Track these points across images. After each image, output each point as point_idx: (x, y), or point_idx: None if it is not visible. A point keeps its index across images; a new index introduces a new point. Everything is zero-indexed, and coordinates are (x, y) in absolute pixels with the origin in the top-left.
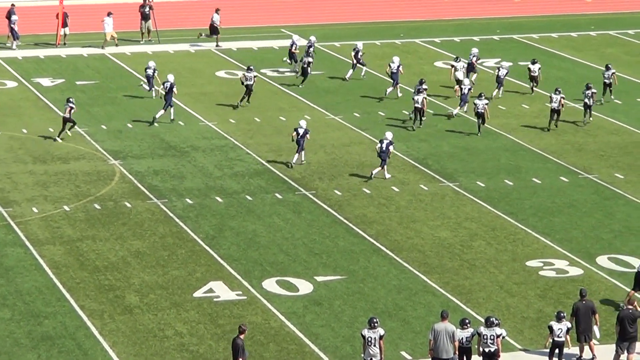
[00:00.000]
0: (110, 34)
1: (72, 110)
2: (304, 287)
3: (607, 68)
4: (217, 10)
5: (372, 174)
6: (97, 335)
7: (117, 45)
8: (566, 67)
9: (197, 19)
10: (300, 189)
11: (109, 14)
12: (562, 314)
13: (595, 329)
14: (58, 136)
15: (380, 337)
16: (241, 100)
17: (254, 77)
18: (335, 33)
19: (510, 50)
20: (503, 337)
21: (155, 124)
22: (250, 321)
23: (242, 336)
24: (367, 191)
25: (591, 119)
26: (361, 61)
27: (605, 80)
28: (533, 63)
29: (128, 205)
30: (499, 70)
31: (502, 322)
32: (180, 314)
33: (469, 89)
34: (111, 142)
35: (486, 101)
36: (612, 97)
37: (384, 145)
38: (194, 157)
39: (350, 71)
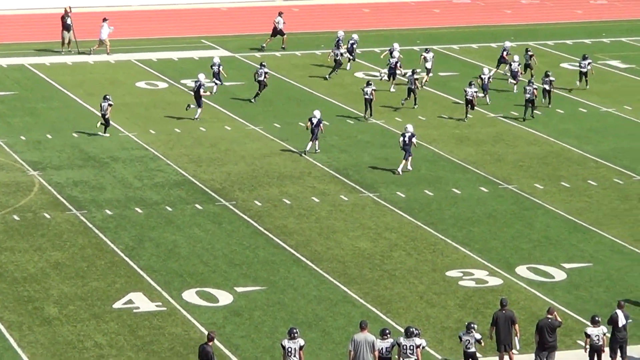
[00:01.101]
0: (104, 41)
1: (110, 108)
2: (224, 297)
3: (584, 58)
4: (280, 14)
5: (398, 170)
6: (16, 347)
7: (108, 53)
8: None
9: (118, 30)
10: (221, 200)
11: (104, 20)
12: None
13: (516, 339)
14: (104, 132)
15: (300, 348)
16: (255, 96)
17: (265, 73)
18: (255, 44)
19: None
20: (423, 348)
21: (197, 120)
22: (170, 332)
23: (210, 343)
24: (287, 202)
25: (550, 105)
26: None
27: (582, 70)
28: (470, 85)
29: (47, 216)
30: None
31: (422, 332)
32: (100, 325)
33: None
34: (30, 153)
35: (476, 89)
36: (588, 86)
37: (407, 138)
38: (114, 168)
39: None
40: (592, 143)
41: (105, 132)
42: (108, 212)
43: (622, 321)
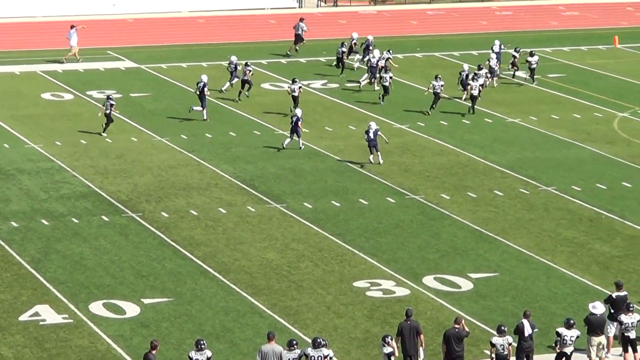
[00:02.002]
0: (73, 48)
1: (113, 107)
2: (131, 309)
3: (532, 54)
4: (301, 20)
5: (370, 160)
6: None
7: (78, 60)
8: (394, 88)
9: (22, 41)
10: (127, 211)
11: (72, 27)
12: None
13: (421, 350)
14: (103, 131)
15: (208, 359)
16: (239, 95)
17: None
18: (161, 55)
19: (337, 72)
20: (330, 358)
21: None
22: (77, 345)
23: (154, 352)
24: (194, 213)
25: (534, 83)
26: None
27: (531, 66)
28: (436, 79)
29: None
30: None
31: (330, 342)
32: (6, 338)
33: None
34: None
35: (442, 82)
36: (535, 83)
37: (372, 134)
38: (20, 180)
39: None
40: (498, 153)
41: (104, 132)
42: (14, 224)
43: (528, 330)
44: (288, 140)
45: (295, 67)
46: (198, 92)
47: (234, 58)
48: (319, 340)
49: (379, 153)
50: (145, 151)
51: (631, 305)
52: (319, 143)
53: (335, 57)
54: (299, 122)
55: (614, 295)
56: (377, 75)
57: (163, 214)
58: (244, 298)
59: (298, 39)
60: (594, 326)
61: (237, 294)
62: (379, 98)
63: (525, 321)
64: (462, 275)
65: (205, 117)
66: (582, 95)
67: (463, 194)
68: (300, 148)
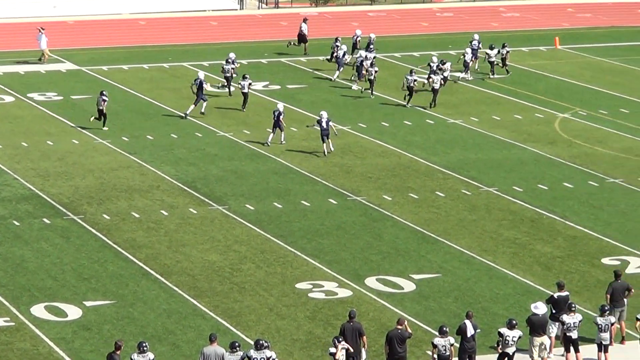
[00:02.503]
0: (44, 51)
1: (106, 103)
2: (73, 312)
3: (503, 46)
4: (305, 20)
5: (324, 152)
6: None
7: (44, 62)
8: (329, 89)
9: None
10: (69, 214)
11: (41, 30)
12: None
13: (363, 351)
14: (103, 126)
15: None
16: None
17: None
18: (102, 57)
19: (279, 73)
20: None
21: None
22: (19, 348)
23: (118, 352)
24: (136, 215)
25: (508, 73)
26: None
27: (502, 56)
28: (410, 73)
29: None
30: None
31: (272, 344)
32: None
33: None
34: None
35: (416, 77)
36: (510, 73)
37: (324, 124)
38: None
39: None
40: (440, 154)
41: (104, 126)
42: None
43: (470, 331)
44: (271, 135)
45: (238, 69)
46: (195, 89)
47: (232, 55)
48: (261, 342)
49: (330, 141)
50: (86, 153)
51: (573, 305)
52: (261, 145)
53: (330, 53)
54: (281, 117)
55: (555, 295)
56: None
57: (105, 216)
58: (186, 300)
59: (302, 39)
60: (536, 326)
61: (179, 296)
62: (367, 90)
63: (467, 322)
64: (404, 276)
65: (203, 111)
66: (523, 96)
67: (405, 195)
68: (282, 142)
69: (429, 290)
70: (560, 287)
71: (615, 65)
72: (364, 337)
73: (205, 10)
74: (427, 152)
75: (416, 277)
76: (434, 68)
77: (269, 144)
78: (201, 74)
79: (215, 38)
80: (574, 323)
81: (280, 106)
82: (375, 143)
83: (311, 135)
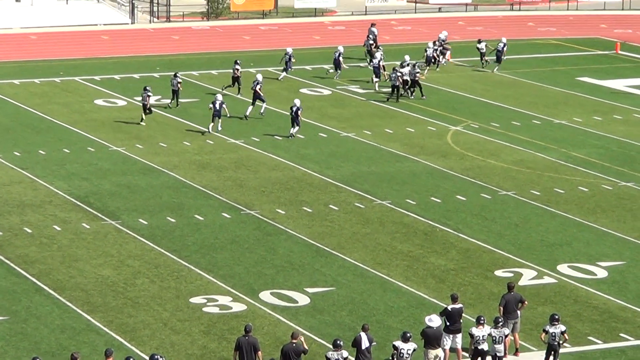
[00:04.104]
0: None
1: (150, 98)
2: None
3: (479, 41)
4: (373, 25)
5: (292, 134)
6: None
7: None
8: (229, 104)
9: None
10: None
11: None
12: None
13: None
14: (141, 121)
15: None
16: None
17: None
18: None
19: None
20: None
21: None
22: None
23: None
24: (29, 230)
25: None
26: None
27: (481, 51)
28: (393, 71)
29: None
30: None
31: (167, 359)
32: None
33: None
34: None
35: (400, 73)
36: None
37: (217, 105)
38: None
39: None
40: (333, 168)
41: (142, 121)
42: None
43: (365, 344)
44: (294, 129)
45: (129, 82)
46: (252, 90)
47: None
48: (156, 357)
49: (219, 121)
50: None
51: (482, 318)
52: (154, 159)
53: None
54: (299, 112)
55: (449, 307)
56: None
57: None
58: (80, 315)
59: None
60: (430, 339)
61: (72, 311)
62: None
63: (363, 334)
64: (298, 290)
65: (262, 111)
66: (415, 109)
67: (299, 208)
68: (292, 137)
69: (323, 304)
70: (454, 299)
71: (506, 78)
72: (260, 352)
73: (96, 25)
74: (321, 165)
75: (310, 290)
76: (430, 53)
77: (293, 135)
78: (259, 77)
79: (107, 52)
80: (482, 336)
81: (298, 102)
82: (268, 157)
83: (204, 150)
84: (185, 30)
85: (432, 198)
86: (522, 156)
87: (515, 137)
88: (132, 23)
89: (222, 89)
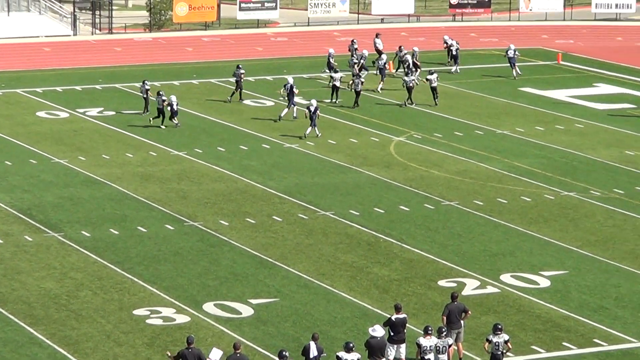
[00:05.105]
0: None
1: (165, 102)
2: None
3: (431, 73)
4: (377, 35)
5: (305, 134)
6: None
7: None
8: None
9: None
10: None
11: None
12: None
13: None
14: (162, 123)
15: None
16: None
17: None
18: None
19: (113, 99)
20: None
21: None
22: None
23: None
24: None
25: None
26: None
27: (433, 84)
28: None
29: None
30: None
31: None
32: None
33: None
34: None
35: (413, 77)
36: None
37: (175, 106)
38: None
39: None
40: (276, 179)
41: (162, 124)
42: None
43: (313, 352)
44: (309, 129)
45: (71, 94)
46: (285, 94)
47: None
48: None
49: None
50: None
51: (430, 328)
52: (96, 171)
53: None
54: (317, 111)
55: (393, 318)
56: (350, 81)
57: None
58: (22, 328)
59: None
60: (374, 349)
61: (15, 324)
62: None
63: (312, 343)
64: (242, 301)
65: (295, 116)
66: (358, 120)
67: (242, 220)
68: (317, 135)
69: (267, 315)
70: (398, 309)
71: (448, 88)
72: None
73: (38, 36)
74: (264, 176)
75: (254, 301)
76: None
77: (306, 136)
78: (290, 79)
79: (49, 64)
80: (430, 346)
81: (314, 102)
82: (211, 168)
83: (147, 161)
84: (128, 42)
85: (376, 209)
86: (465, 166)
87: (458, 148)
88: (74, 35)
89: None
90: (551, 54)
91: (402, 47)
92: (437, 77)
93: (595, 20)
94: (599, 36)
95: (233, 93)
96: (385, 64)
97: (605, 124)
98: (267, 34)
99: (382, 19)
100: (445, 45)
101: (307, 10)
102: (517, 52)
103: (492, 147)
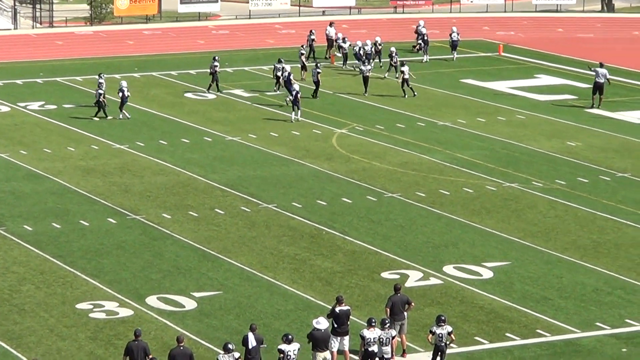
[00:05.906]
0: None
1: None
2: None
3: (403, 64)
4: (331, 24)
5: (292, 119)
6: None
7: None
8: (112, 109)
9: None
10: None
11: None
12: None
13: None
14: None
15: None
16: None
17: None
18: None
19: (54, 92)
20: None
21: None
22: None
23: None
24: None
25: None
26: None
27: (405, 76)
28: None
29: None
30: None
31: None
32: None
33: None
34: None
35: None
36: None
37: (126, 92)
38: None
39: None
40: (219, 172)
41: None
42: None
43: (252, 343)
44: (293, 115)
45: (12, 88)
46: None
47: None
48: None
49: (299, 112)
50: None
51: (373, 320)
52: (38, 165)
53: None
54: (299, 95)
55: (337, 309)
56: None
57: None
58: None
59: (330, 43)
60: (318, 341)
61: None
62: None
63: (250, 334)
64: (185, 294)
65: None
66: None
67: (184, 213)
68: (296, 120)
69: (211, 308)
70: (340, 301)
71: (390, 80)
72: (150, 356)
73: None
74: (206, 169)
75: (197, 294)
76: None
77: (293, 120)
78: (287, 67)
79: None
80: (373, 338)
81: (297, 86)
82: (153, 161)
83: (89, 155)
84: (69, 36)
85: (318, 201)
86: (407, 158)
87: (400, 139)
88: (14, 28)
89: (207, 90)
90: (492, 46)
91: (345, 38)
92: (408, 70)
93: (536, 11)
94: (540, 27)
95: (210, 85)
96: (360, 50)
97: (547, 115)
98: (208, 26)
99: (323, 12)
100: (416, 32)
101: (248, 3)
102: (459, 37)
103: (434, 138)
